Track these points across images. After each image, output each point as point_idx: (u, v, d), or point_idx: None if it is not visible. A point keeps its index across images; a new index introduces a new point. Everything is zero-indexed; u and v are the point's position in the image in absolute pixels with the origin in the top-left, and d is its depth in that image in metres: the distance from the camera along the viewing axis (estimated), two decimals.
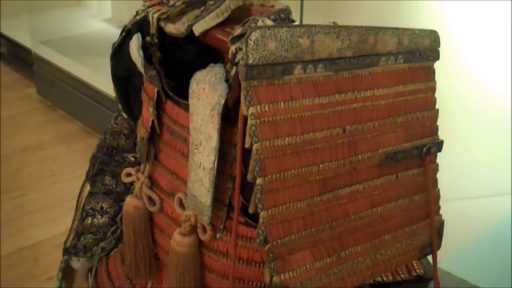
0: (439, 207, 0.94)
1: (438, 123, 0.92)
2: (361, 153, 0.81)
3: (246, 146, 0.73)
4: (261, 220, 0.73)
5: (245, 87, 0.71)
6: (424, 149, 0.88)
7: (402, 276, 1.32)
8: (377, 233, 0.85)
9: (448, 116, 1.00)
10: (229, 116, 0.80)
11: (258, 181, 0.72)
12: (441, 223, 0.93)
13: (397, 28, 0.84)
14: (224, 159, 0.83)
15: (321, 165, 0.77)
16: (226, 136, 0.82)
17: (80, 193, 1.15)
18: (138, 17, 0.94)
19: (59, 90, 3.28)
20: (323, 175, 0.78)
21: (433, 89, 0.90)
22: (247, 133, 0.72)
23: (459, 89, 2.05)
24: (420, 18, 2.06)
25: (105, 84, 2.82)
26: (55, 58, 3.27)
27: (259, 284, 0.90)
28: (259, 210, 0.73)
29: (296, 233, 0.76)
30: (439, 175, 0.92)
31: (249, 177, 0.73)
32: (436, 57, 0.90)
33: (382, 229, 0.85)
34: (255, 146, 0.72)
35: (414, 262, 1.34)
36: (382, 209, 0.85)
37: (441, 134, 0.92)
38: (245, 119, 0.73)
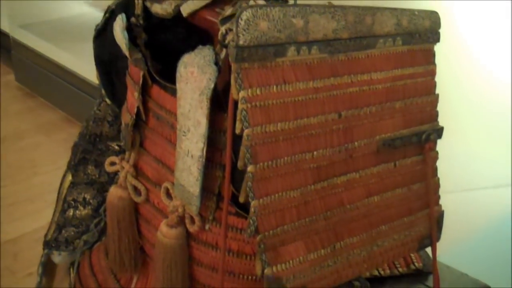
0: (439, 197, 0.94)
1: (438, 109, 0.92)
2: (357, 140, 0.81)
3: (237, 132, 0.72)
4: (252, 209, 0.73)
5: (236, 70, 0.71)
6: (423, 136, 0.87)
7: (400, 269, 1.33)
8: (374, 224, 0.85)
9: (447, 103, 1.00)
10: (219, 101, 0.79)
11: (249, 168, 0.72)
12: (441, 214, 0.93)
13: (395, 9, 0.84)
14: (213, 146, 0.83)
15: (315, 152, 0.77)
16: (216, 122, 0.81)
17: (61, 184, 1.14)
18: None
19: (39, 77, 3.25)
20: (317, 163, 0.77)
21: (433, 73, 0.89)
22: (238, 118, 0.72)
23: (459, 74, 2.06)
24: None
25: (88, 71, 2.80)
26: (34, 43, 3.24)
27: (250, 277, 0.90)
28: (250, 199, 0.73)
29: (289, 223, 0.76)
30: (438, 166, 0.92)
31: (239, 164, 0.73)
32: (437, 39, 0.90)
33: (379, 219, 0.85)
34: (246, 132, 0.71)
35: (412, 255, 1.35)
36: (379, 198, 0.85)
37: (440, 122, 0.92)
38: (236, 103, 0.72)
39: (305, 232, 0.78)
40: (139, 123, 0.94)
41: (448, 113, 1.05)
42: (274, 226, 0.75)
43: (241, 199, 0.75)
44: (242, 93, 0.71)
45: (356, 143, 0.81)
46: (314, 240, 0.78)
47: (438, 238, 0.94)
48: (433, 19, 0.89)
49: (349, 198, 0.82)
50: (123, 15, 0.90)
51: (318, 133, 0.77)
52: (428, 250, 1.00)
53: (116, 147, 1.10)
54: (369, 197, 0.84)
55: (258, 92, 0.72)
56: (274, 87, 0.73)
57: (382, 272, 1.32)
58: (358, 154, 0.81)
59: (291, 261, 0.76)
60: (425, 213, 0.91)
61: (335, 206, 0.80)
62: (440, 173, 0.93)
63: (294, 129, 0.74)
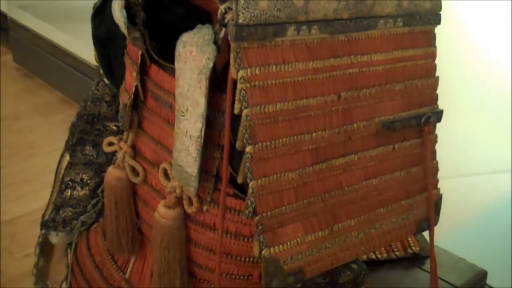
0: (437, 181, 0.93)
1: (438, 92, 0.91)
2: (357, 122, 0.81)
3: (236, 112, 0.72)
4: (250, 190, 0.73)
5: (235, 49, 0.70)
6: (422, 119, 0.87)
7: (397, 253, 1.33)
8: (372, 206, 0.85)
9: (447, 87, 0.99)
10: (218, 81, 0.79)
11: (248, 149, 0.72)
12: (439, 197, 0.93)
13: None
14: (211, 127, 0.83)
15: (314, 134, 0.77)
16: (214, 102, 0.81)
17: (59, 164, 1.14)
18: None
19: (37, 58, 3.24)
20: (316, 144, 0.77)
21: (433, 55, 0.89)
22: (237, 98, 0.72)
23: (460, 58, 2.05)
24: None
25: (86, 52, 2.79)
26: (32, 24, 3.23)
27: (247, 259, 0.90)
28: (248, 180, 0.73)
29: (287, 204, 0.76)
30: (437, 151, 0.92)
31: (238, 144, 0.73)
32: (437, 21, 0.89)
33: (377, 202, 0.85)
34: (244, 112, 0.71)
35: (409, 239, 1.36)
36: (378, 181, 0.85)
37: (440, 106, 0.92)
38: (235, 83, 0.72)
39: (303, 213, 0.78)
40: (137, 103, 0.94)
41: (447, 96, 1.05)
42: (272, 207, 0.75)
43: (239, 180, 0.75)
44: (241, 73, 0.71)
45: (355, 125, 0.81)
46: (312, 222, 0.78)
47: (436, 222, 0.94)
48: (434, 0, 0.88)
49: (348, 180, 0.81)
50: None
51: (317, 114, 0.76)
52: (426, 234, 1.00)
53: (114, 128, 1.10)
54: (368, 179, 0.84)
55: (257, 71, 0.71)
56: (274, 67, 0.72)
57: (379, 256, 1.32)
58: (357, 136, 0.81)
59: (288, 243, 0.76)
60: (423, 196, 0.91)
61: (333, 188, 0.80)
62: (439, 158, 0.93)
63: (293, 109, 0.74)
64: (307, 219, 0.78)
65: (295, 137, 0.75)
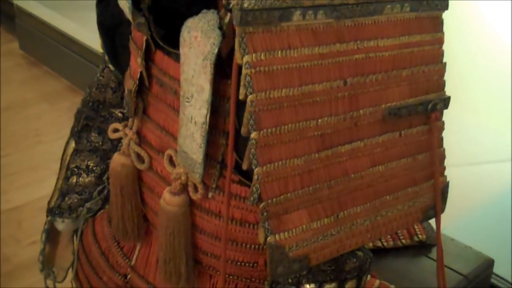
0: (444, 168, 0.93)
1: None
2: (363, 108, 0.80)
3: (241, 97, 0.72)
4: (255, 176, 0.73)
5: (240, 34, 0.70)
6: (429, 105, 0.87)
7: (404, 241, 1.33)
8: (378, 194, 0.85)
9: (454, 73, 0.98)
10: (223, 67, 0.79)
11: (253, 135, 0.72)
12: (446, 185, 0.93)
13: None
14: (217, 113, 0.82)
15: (319, 120, 0.76)
16: (219, 88, 0.81)
17: (64, 151, 1.14)
18: None
19: (43, 45, 3.24)
20: (321, 131, 0.77)
21: (440, 41, 0.88)
22: (242, 83, 0.71)
23: (466, 44, 2.03)
24: None
25: (92, 39, 2.79)
26: (38, 11, 3.23)
27: (252, 246, 0.90)
28: (253, 166, 0.73)
29: (292, 191, 0.76)
30: (444, 139, 0.92)
31: (243, 130, 0.72)
32: (445, 6, 0.88)
33: (383, 189, 0.85)
34: (249, 98, 0.71)
35: (416, 226, 1.35)
36: (384, 168, 0.85)
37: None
38: (239, 68, 0.71)
39: (308, 200, 0.77)
40: (142, 89, 0.94)
41: (455, 82, 1.04)
42: (277, 194, 0.74)
43: (244, 166, 0.74)
44: (246, 58, 0.70)
45: (361, 111, 0.80)
46: (317, 209, 0.78)
47: (442, 210, 0.93)
48: None
49: (353, 167, 0.81)
50: None
51: (323, 100, 0.76)
52: (432, 222, 1.00)
53: (119, 114, 1.10)
54: (374, 166, 0.83)
55: (262, 57, 0.71)
56: (279, 52, 0.72)
57: (385, 244, 1.32)
58: (363, 122, 0.81)
59: (294, 230, 0.76)
60: (430, 184, 0.90)
61: (339, 175, 0.80)
62: (446, 146, 0.92)
63: (299, 95, 0.74)
64: (312, 206, 0.78)
65: (301, 123, 0.75)
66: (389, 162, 0.85)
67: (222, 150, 0.85)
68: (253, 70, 0.70)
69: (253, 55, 0.70)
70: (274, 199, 0.74)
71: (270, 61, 0.71)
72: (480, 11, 2.01)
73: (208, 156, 0.84)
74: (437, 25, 0.88)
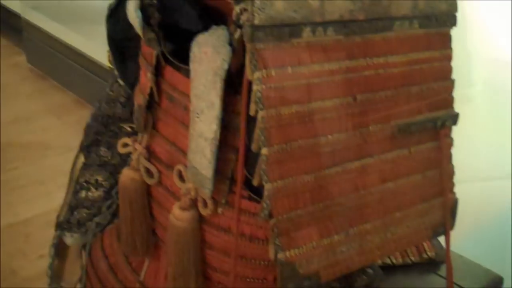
0: (453, 185, 0.93)
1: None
2: (373, 124, 0.80)
3: (251, 113, 0.72)
4: (266, 192, 0.73)
5: (251, 50, 0.70)
6: (438, 122, 0.87)
7: (412, 258, 1.33)
8: (388, 210, 0.85)
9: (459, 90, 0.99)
10: (233, 82, 0.79)
11: (263, 151, 0.72)
12: (455, 202, 0.93)
13: None
14: (226, 129, 0.83)
15: (329, 136, 0.76)
16: (229, 104, 0.81)
17: (73, 165, 1.14)
18: None
19: (50, 59, 3.26)
20: (331, 147, 0.77)
21: (449, 57, 0.88)
22: (252, 99, 0.72)
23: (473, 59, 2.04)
24: None
25: (99, 53, 2.81)
26: (46, 24, 3.25)
27: (262, 262, 0.90)
28: (263, 182, 0.73)
29: (303, 207, 0.76)
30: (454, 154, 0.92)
31: (253, 146, 0.73)
32: (453, 23, 0.89)
33: (393, 206, 0.85)
34: (260, 114, 0.71)
35: (425, 244, 1.35)
36: (393, 184, 0.85)
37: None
38: (250, 84, 0.72)
39: (318, 217, 0.77)
40: (152, 104, 0.94)
41: (464, 99, 1.04)
42: (288, 210, 0.75)
43: (255, 182, 0.75)
44: (256, 74, 0.71)
45: (370, 127, 0.80)
46: (328, 226, 0.78)
47: (452, 227, 0.93)
48: (450, 2, 0.88)
49: (363, 183, 0.81)
50: None
51: (333, 116, 0.76)
52: (441, 239, 1.00)
53: (129, 129, 1.10)
54: (384, 183, 0.84)
55: (273, 73, 0.71)
56: (289, 68, 0.72)
57: (394, 261, 1.32)
58: (373, 139, 0.81)
59: (304, 246, 0.76)
60: (439, 200, 0.90)
61: (349, 191, 0.80)
62: (455, 162, 0.92)
63: (309, 112, 0.74)
64: (322, 223, 0.78)
65: (311, 139, 0.75)
66: (398, 179, 0.85)
67: (232, 166, 0.85)
68: (263, 86, 0.71)
69: (264, 71, 0.71)
70: (284, 215, 0.74)
71: (280, 77, 0.72)
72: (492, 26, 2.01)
73: (218, 172, 0.85)
74: (446, 42, 0.88)
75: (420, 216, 0.89)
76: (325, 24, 0.74)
